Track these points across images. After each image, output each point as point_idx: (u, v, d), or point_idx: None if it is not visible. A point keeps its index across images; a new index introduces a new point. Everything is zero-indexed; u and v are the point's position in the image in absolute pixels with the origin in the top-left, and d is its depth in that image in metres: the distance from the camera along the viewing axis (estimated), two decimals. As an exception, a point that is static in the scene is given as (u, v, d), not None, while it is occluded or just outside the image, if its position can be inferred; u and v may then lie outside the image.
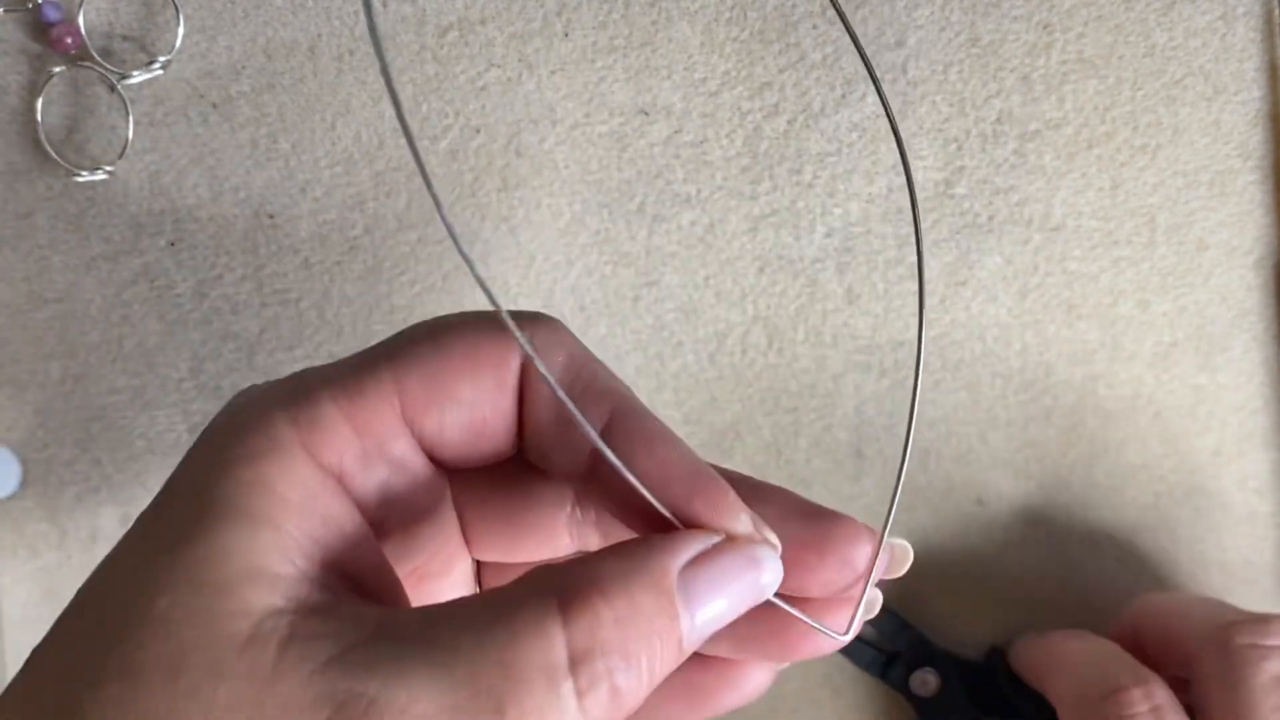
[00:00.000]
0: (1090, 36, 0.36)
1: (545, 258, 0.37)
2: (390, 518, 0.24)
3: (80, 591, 0.21)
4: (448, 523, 0.26)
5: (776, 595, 0.23)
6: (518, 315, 0.24)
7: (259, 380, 0.25)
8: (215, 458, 0.22)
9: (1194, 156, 0.37)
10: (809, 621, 0.24)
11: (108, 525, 0.38)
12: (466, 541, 0.27)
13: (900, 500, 0.39)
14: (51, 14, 0.35)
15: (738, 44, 0.36)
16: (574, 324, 0.37)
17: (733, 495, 0.23)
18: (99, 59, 0.36)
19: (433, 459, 0.24)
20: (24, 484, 0.37)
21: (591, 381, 0.23)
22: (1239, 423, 0.38)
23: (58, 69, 0.36)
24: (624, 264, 0.37)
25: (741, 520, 0.22)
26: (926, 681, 0.38)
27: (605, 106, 0.37)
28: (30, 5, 0.35)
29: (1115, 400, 0.38)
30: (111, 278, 0.37)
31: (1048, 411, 0.38)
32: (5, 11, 0.35)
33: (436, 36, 0.36)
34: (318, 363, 0.25)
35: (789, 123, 0.37)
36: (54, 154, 0.36)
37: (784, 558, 0.23)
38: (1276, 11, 0.36)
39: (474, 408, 0.23)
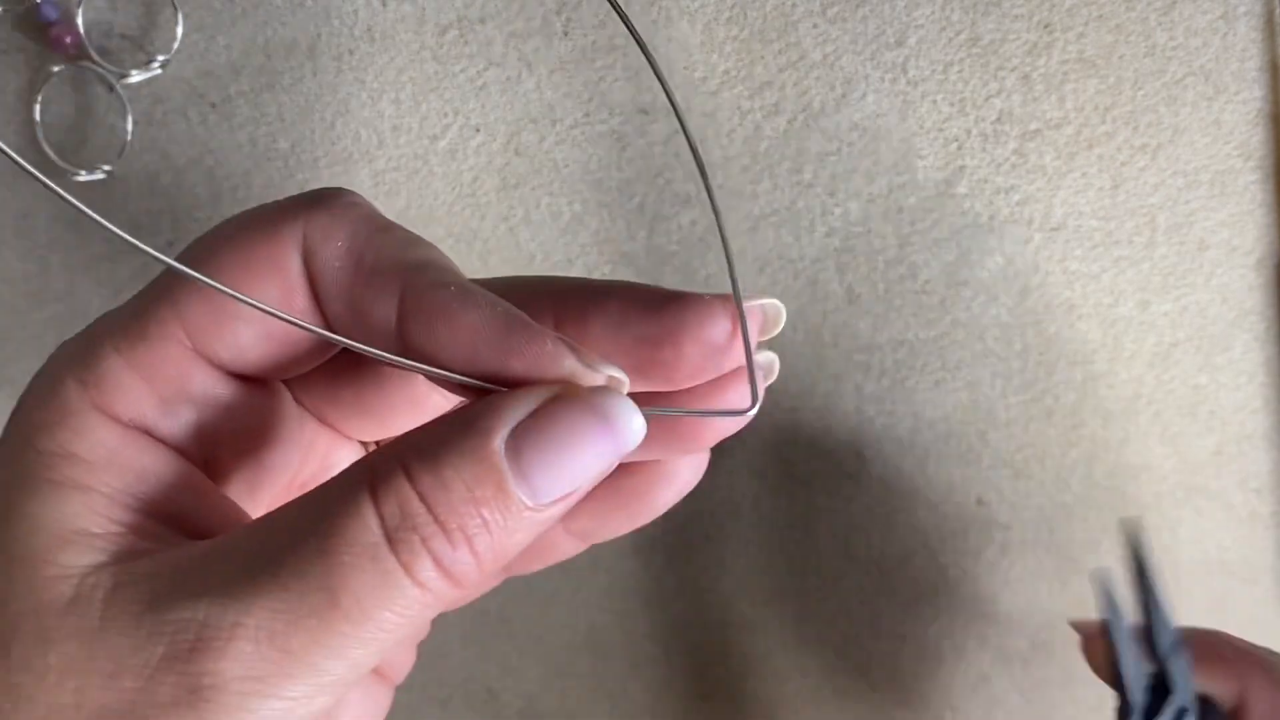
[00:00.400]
0: (1090, 36, 0.36)
1: (545, 257, 0.37)
2: (221, 451, 0.23)
3: None
4: (300, 429, 0.25)
5: (657, 399, 0.21)
6: (302, 197, 0.22)
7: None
8: (18, 431, 0.22)
9: (1194, 156, 0.37)
10: (704, 414, 0.23)
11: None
12: (342, 432, 0.26)
13: (900, 501, 0.39)
14: (50, 13, 0.35)
15: (738, 43, 0.36)
16: (574, 324, 0.37)
17: (551, 343, 0.20)
18: (98, 58, 0.35)
19: (247, 377, 0.23)
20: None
21: (376, 263, 0.22)
22: (1239, 423, 0.38)
23: (56, 68, 0.35)
24: (624, 264, 0.37)
25: (565, 366, 0.20)
26: None
27: (605, 106, 0.36)
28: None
29: (1115, 400, 0.38)
30: (111, 278, 0.37)
31: (1048, 411, 0.38)
32: (4, 10, 0.35)
33: (436, 35, 0.36)
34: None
35: (789, 122, 0.37)
36: (53, 154, 0.36)
37: (641, 358, 0.22)
38: (1277, 11, 0.36)
39: (265, 319, 0.22)
